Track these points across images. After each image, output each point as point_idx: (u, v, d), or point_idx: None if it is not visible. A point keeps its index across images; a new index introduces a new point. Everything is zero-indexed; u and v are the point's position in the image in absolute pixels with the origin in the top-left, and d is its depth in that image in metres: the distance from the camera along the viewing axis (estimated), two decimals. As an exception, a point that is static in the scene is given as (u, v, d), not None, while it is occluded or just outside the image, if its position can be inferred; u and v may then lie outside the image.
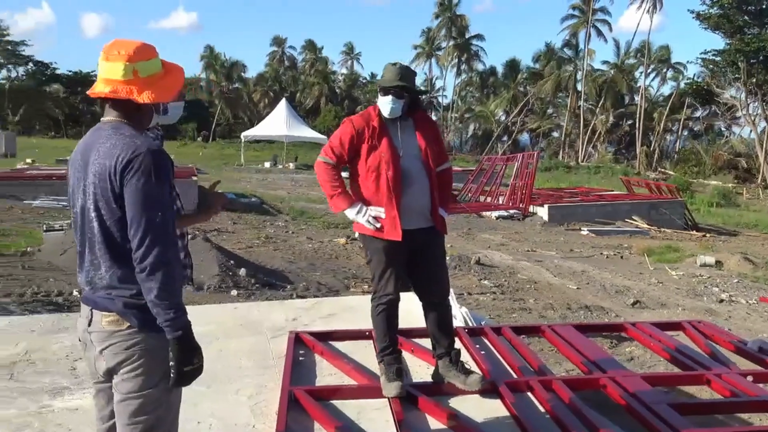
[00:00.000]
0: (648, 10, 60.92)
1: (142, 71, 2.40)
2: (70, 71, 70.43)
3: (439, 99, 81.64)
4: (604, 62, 70.94)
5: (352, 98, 79.43)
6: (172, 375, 2.35)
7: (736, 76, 49.01)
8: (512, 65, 74.83)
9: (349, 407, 3.93)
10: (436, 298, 4.09)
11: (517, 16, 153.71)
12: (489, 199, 23.58)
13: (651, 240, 18.77)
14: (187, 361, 2.34)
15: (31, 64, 70.43)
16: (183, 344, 2.32)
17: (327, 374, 4.51)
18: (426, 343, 4.38)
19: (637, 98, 66.74)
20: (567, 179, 43.07)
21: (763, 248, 18.73)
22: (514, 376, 4.41)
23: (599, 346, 5.57)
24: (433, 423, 3.75)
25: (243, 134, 46.27)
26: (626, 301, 10.36)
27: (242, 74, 77.77)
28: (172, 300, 2.29)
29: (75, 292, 8.05)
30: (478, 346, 4.97)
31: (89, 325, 2.45)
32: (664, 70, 68.42)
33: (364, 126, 3.98)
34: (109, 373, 2.44)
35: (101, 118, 2.48)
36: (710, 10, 48.68)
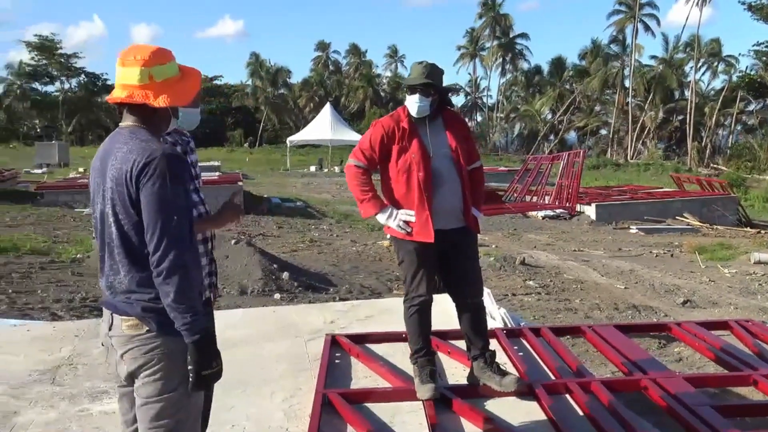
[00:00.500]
0: (697, 3, 59.59)
1: (158, 75, 2.40)
2: (120, 82, 72.38)
3: (484, 99, 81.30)
4: (653, 57, 69.59)
5: (396, 101, 79.47)
6: (190, 378, 2.34)
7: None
8: (558, 63, 74.03)
9: (382, 410, 3.90)
10: (469, 298, 4.02)
11: (563, 13, 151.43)
12: (535, 199, 23.32)
13: (703, 237, 18.24)
14: (206, 364, 2.33)
15: (83, 76, 72.53)
16: (201, 348, 2.31)
17: (362, 377, 4.49)
18: (462, 344, 4.32)
19: (688, 93, 65.22)
20: (615, 177, 42.27)
21: (821, 244, 18.06)
22: (552, 377, 4.33)
23: (641, 346, 5.41)
24: (468, 426, 3.69)
25: (288, 139, 46.96)
26: (676, 300, 10.07)
27: (287, 80, 78.76)
28: (189, 303, 2.28)
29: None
30: (516, 347, 4.89)
31: (110, 329, 2.47)
32: (715, 63, 66.54)
33: (394, 127, 3.95)
34: (131, 377, 2.45)
35: (119, 123, 2.50)
36: (762, 1, 47.38)
